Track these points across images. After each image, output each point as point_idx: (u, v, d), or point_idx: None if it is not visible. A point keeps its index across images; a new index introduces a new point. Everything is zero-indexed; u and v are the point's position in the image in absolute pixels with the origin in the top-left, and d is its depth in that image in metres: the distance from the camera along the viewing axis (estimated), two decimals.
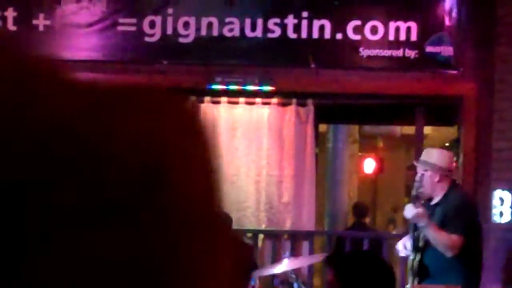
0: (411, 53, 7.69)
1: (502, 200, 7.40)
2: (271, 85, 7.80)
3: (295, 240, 7.92)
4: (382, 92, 7.76)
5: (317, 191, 8.20)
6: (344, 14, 7.73)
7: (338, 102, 8.04)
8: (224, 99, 7.91)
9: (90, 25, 7.81)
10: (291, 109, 7.89)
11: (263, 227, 7.89)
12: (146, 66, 7.84)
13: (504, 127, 7.44)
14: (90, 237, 0.54)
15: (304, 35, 7.72)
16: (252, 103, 7.90)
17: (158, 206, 0.56)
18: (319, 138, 8.61)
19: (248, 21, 7.74)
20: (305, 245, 7.90)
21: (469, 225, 5.88)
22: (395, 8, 7.74)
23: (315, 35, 7.71)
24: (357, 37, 7.71)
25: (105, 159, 0.55)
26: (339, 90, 7.79)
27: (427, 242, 5.91)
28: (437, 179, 6.00)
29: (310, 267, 7.75)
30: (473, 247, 5.88)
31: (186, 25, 7.78)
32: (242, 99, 7.90)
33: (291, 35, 7.74)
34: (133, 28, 7.82)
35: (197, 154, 0.60)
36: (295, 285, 6.29)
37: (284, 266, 6.27)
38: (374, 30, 7.70)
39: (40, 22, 7.83)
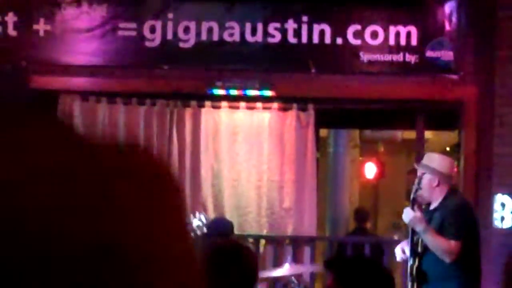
0: (411, 58, 7.68)
1: (503, 205, 7.38)
2: (271, 90, 7.79)
3: (297, 245, 7.90)
4: (382, 97, 7.74)
5: (318, 196, 8.18)
6: (344, 19, 7.73)
7: (339, 107, 8.03)
8: (224, 104, 7.90)
9: (91, 30, 7.81)
10: (292, 114, 7.88)
11: (264, 232, 7.88)
12: (146, 71, 7.84)
13: (505, 131, 7.41)
14: None
15: (304, 39, 7.71)
16: (253, 108, 7.90)
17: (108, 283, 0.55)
18: (319, 143, 8.59)
19: (248, 26, 7.73)
20: (307, 250, 7.89)
21: (467, 231, 5.87)
22: (395, 12, 7.73)
23: (316, 40, 7.71)
24: (358, 42, 7.70)
25: (56, 235, 0.55)
26: (339, 95, 7.78)
27: (426, 247, 5.90)
28: (435, 183, 5.98)
29: (312, 272, 7.74)
30: (471, 252, 5.86)
31: (186, 29, 7.78)
32: (242, 104, 7.90)
33: (292, 39, 7.73)
34: (133, 33, 7.82)
35: (159, 230, 0.59)
36: None
37: (286, 271, 6.26)
38: (374, 35, 7.69)
39: (41, 27, 7.83)
